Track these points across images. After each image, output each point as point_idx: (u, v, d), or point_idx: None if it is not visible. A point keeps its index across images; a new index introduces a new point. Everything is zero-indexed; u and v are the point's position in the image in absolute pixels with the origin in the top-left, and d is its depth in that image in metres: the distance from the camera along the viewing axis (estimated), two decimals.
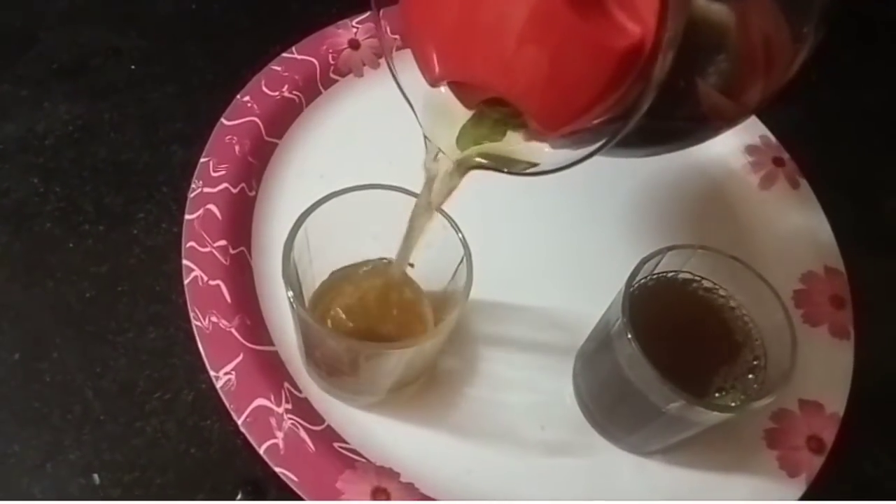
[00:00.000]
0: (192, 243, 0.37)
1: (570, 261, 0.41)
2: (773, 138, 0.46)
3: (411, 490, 0.33)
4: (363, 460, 0.33)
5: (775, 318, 0.32)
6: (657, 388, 0.30)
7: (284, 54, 0.44)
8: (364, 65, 0.45)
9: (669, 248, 0.33)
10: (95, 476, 0.33)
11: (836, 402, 0.38)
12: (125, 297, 0.37)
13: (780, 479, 0.35)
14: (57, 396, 0.34)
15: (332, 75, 0.45)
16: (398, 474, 0.33)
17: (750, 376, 0.32)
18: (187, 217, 0.38)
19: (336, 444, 0.33)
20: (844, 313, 0.40)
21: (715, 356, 0.33)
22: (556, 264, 0.41)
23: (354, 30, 0.46)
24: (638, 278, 0.32)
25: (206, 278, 0.36)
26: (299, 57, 0.44)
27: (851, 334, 0.40)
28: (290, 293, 0.29)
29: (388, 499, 0.32)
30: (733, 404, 0.31)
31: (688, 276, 0.34)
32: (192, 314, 0.35)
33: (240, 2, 0.48)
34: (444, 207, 0.32)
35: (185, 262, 0.36)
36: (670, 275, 0.34)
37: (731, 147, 0.46)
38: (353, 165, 0.41)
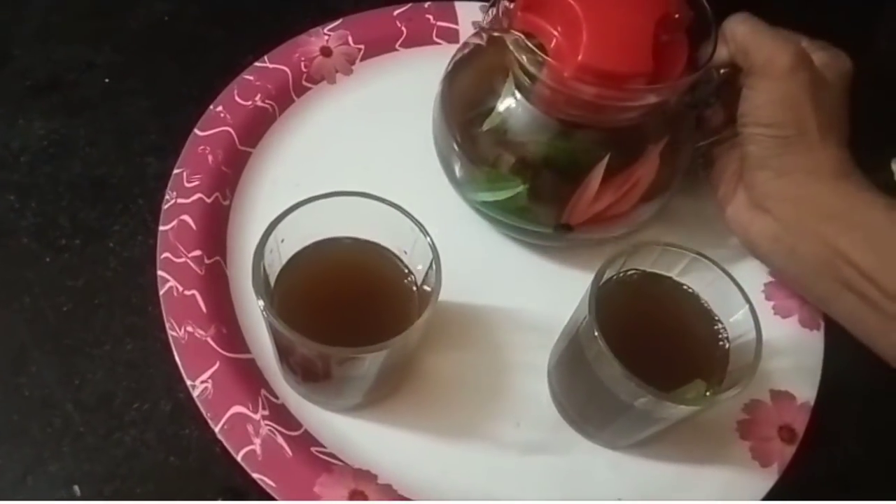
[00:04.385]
0: (166, 254, 0.37)
1: (541, 259, 0.41)
2: None
3: (389, 491, 0.33)
4: (340, 463, 0.34)
5: (740, 312, 0.33)
6: (624, 383, 0.30)
7: (256, 63, 0.44)
8: (336, 71, 0.46)
9: (635, 247, 0.34)
10: (76, 487, 0.33)
11: (806, 391, 0.38)
12: (102, 309, 0.37)
13: (752, 468, 0.36)
14: (36, 410, 0.35)
15: (304, 83, 0.45)
16: (375, 476, 0.34)
17: (716, 370, 0.33)
18: (161, 228, 0.38)
19: (313, 449, 0.34)
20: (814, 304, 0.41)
21: (682, 351, 0.34)
22: (527, 263, 0.41)
23: (326, 37, 0.46)
24: (605, 277, 0.33)
25: (181, 288, 0.36)
26: (271, 66, 0.44)
27: (822, 325, 0.40)
28: (262, 302, 0.30)
29: (365, 501, 0.33)
30: (699, 398, 0.32)
31: (654, 273, 0.34)
32: (167, 324, 0.35)
33: (212, 14, 0.49)
34: (414, 212, 0.32)
35: (160, 273, 0.37)
36: (637, 272, 0.34)
37: None
38: (328, 172, 0.42)
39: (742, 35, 0.35)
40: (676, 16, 0.34)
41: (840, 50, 0.37)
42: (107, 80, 0.45)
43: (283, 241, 0.33)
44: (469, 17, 0.47)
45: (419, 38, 0.48)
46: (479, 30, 0.35)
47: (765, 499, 0.35)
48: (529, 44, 0.33)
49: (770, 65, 0.34)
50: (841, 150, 0.35)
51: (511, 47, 0.34)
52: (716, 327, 0.34)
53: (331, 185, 0.32)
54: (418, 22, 0.48)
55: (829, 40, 0.37)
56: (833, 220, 0.34)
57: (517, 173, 0.36)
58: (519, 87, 0.36)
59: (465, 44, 0.40)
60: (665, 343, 0.34)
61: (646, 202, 0.38)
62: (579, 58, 0.32)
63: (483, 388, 0.37)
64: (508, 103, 0.36)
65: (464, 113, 0.38)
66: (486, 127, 0.37)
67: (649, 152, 0.36)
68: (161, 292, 0.36)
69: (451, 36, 0.48)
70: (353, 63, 0.46)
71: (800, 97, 0.34)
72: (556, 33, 0.33)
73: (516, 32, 0.33)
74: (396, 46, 0.47)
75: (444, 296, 0.31)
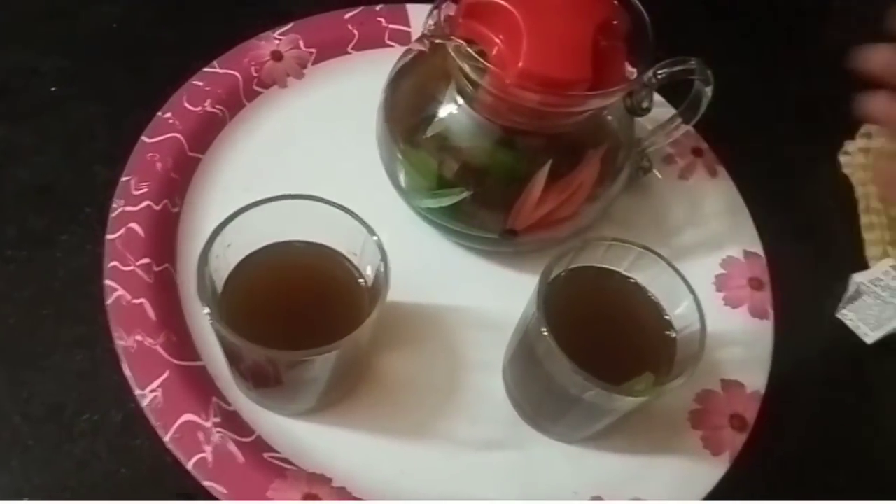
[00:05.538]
0: (114, 263, 0.37)
1: (492, 259, 0.41)
2: (691, 129, 0.47)
3: (343, 494, 0.33)
4: (294, 468, 0.33)
5: (685, 303, 0.33)
6: (573, 378, 0.31)
7: (206, 69, 0.44)
8: (288, 76, 0.46)
9: (584, 242, 0.34)
10: (25, 501, 0.33)
11: (757, 380, 0.39)
12: (50, 320, 0.37)
13: (704, 457, 0.36)
14: None
15: (255, 88, 0.45)
16: (330, 480, 0.34)
17: (665, 361, 0.33)
18: (108, 237, 0.37)
19: (266, 455, 0.34)
20: (763, 294, 0.42)
21: (631, 344, 0.34)
22: (479, 263, 0.41)
23: (277, 41, 0.46)
24: (553, 273, 0.33)
25: (129, 297, 0.36)
26: (221, 71, 0.44)
27: (771, 314, 0.41)
28: (206, 309, 0.30)
29: (318, 502, 0.32)
30: (647, 388, 0.32)
31: (602, 268, 0.35)
32: (115, 334, 0.35)
33: (162, 19, 0.48)
34: (365, 216, 0.32)
35: (107, 282, 0.36)
36: (585, 268, 0.35)
37: None
38: (280, 177, 0.42)
39: None
40: (615, 22, 0.34)
41: None
42: (53, 88, 0.44)
43: (229, 245, 0.32)
44: (421, 20, 0.47)
45: (371, 41, 0.48)
46: (422, 36, 0.35)
47: (716, 486, 0.36)
48: (471, 51, 0.33)
49: None
50: None
51: (453, 54, 0.34)
52: (663, 320, 0.34)
53: (282, 190, 0.32)
54: (370, 25, 0.48)
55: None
56: None
57: (460, 180, 0.37)
58: (461, 93, 0.36)
59: (408, 50, 0.40)
60: (614, 336, 0.34)
61: (588, 205, 0.38)
62: (520, 64, 0.32)
63: (438, 388, 0.37)
64: (451, 110, 0.36)
65: (407, 120, 0.38)
66: (428, 133, 0.37)
67: (590, 157, 0.37)
68: (108, 301, 0.36)
69: (404, 38, 0.48)
70: (304, 67, 0.46)
71: None
72: (497, 40, 0.33)
73: (458, 39, 0.33)
74: (349, 50, 0.47)
75: (396, 297, 0.31)
